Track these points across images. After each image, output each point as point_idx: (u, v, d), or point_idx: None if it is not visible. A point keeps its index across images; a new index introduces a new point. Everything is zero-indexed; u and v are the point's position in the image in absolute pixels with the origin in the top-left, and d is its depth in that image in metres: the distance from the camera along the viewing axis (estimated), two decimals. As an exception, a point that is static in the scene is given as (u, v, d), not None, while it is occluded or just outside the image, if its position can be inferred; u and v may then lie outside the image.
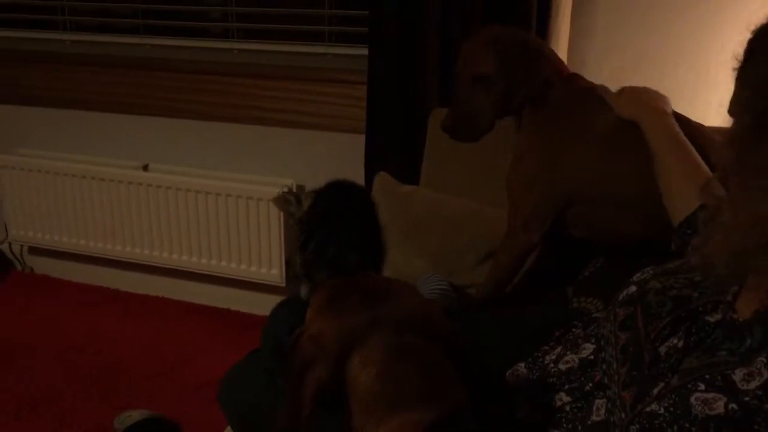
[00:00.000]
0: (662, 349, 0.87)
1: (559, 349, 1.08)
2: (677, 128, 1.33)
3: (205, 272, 2.64)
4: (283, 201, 1.70)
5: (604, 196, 1.42)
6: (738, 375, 0.76)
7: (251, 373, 1.25)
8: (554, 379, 1.01)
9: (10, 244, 2.98)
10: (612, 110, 1.43)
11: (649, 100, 1.41)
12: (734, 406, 0.74)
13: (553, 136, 1.46)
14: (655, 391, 0.83)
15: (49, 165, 2.71)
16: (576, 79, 1.51)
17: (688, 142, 1.31)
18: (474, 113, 1.49)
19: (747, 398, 0.74)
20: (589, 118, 1.45)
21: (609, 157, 1.41)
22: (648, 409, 0.82)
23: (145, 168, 2.67)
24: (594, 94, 1.48)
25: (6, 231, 2.90)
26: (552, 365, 1.04)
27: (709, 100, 1.87)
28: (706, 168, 1.27)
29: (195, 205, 2.55)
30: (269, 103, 2.45)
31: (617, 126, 1.42)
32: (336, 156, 2.44)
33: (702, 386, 0.78)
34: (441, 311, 0.92)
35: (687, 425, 0.77)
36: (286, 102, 2.43)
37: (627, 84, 1.48)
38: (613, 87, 1.80)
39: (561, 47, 1.93)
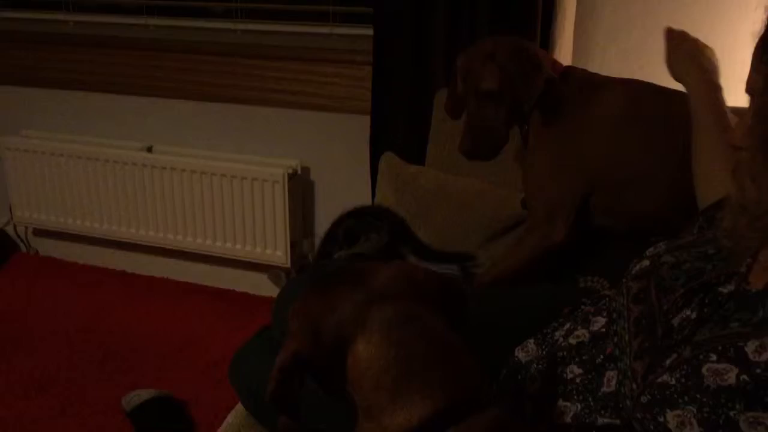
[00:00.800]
0: (675, 321, 0.87)
1: (568, 324, 1.09)
2: (724, 106, 1.31)
3: (211, 253, 2.65)
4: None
5: (623, 180, 1.44)
6: (750, 347, 0.77)
7: (262, 349, 1.26)
8: (564, 353, 1.02)
9: (14, 225, 2.98)
10: (617, 94, 1.45)
11: (703, 63, 1.37)
12: (746, 377, 0.75)
13: (565, 129, 1.47)
14: (668, 362, 0.83)
15: (53, 146, 2.72)
16: (573, 71, 1.53)
17: (728, 116, 1.29)
18: (489, 129, 1.47)
19: (759, 370, 0.75)
20: (597, 105, 1.46)
21: (623, 140, 1.43)
22: (660, 380, 0.82)
23: (149, 149, 2.68)
24: (595, 81, 1.49)
25: (10, 213, 2.91)
26: (562, 340, 1.05)
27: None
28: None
29: (199, 187, 2.56)
30: (273, 84, 2.45)
31: (625, 109, 1.44)
32: (340, 137, 2.44)
33: (714, 357, 0.78)
34: (422, 270, 0.92)
35: (698, 396, 0.77)
36: (290, 83, 2.43)
37: (635, 63, 1.49)
38: (620, 68, 1.81)
39: (567, 27, 1.93)
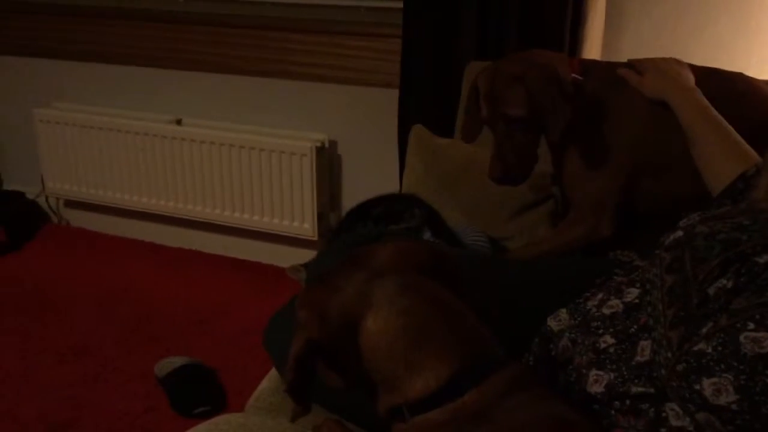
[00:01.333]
0: (711, 290, 0.87)
1: (601, 295, 1.09)
2: (705, 102, 1.35)
3: (239, 226, 2.67)
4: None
5: (663, 164, 1.44)
6: None
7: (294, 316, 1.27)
8: (598, 323, 1.02)
9: (46, 197, 3.03)
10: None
11: (675, 76, 1.42)
12: (784, 344, 0.75)
13: (601, 122, 1.46)
14: (704, 330, 0.83)
15: (84, 119, 2.75)
16: (595, 66, 1.51)
17: (718, 115, 1.33)
18: (519, 155, 1.44)
19: None
20: (628, 94, 1.45)
21: (659, 124, 1.43)
22: (696, 348, 0.82)
23: (179, 122, 2.70)
24: (617, 71, 1.48)
25: (42, 184, 2.95)
26: (595, 310, 1.05)
27: (750, 51, 1.84)
28: (740, 138, 1.29)
29: (228, 159, 2.58)
30: (302, 57, 2.45)
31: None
32: (369, 110, 2.45)
33: (752, 325, 0.79)
34: (418, 244, 0.94)
35: (735, 364, 0.78)
36: (318, 56, 2.43)
37: (669, 37, 1.48)
38: (653, 40, 1.78)
39: (600, 1, 1.90)
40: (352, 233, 1.43)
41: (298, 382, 0.86)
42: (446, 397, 0.79)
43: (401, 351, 0.81)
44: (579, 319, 1.07)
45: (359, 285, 0.84)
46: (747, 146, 1.28)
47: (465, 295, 0.88)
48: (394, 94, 2.21)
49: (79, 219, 3.08)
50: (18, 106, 2.95)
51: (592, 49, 1.95)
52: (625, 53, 1.96)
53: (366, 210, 1.61)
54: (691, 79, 1.42)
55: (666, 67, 1.45)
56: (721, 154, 1.27)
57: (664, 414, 0.86)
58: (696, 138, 1.33)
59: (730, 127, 1.31)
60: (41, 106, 2.84)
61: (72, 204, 3.05)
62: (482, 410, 0.78)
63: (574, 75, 1.44)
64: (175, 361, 2.01)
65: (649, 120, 1.44)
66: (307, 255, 2.55)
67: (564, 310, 1.11)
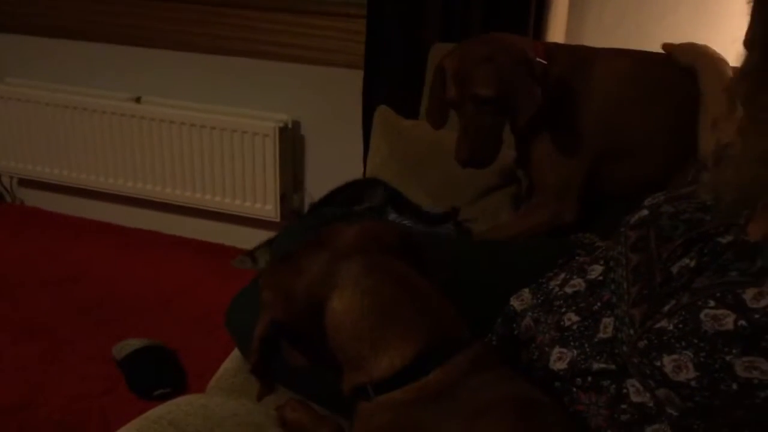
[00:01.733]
0: (674, 269, 0.89)
1: (563, 275, 1.10)
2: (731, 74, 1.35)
3: (199, 207, 2.64)
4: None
5: (625, 148, 1.46)
6: (749, 294, 0.78)
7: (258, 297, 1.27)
8: (560, 301, 1.03)
9: (-1, 175, 2.95)
10: (609, 66, 1.46)
11: (707, 49, 1.44)
12: (743, 322, 0.76)
13: (565, 108, 1.46)
14: (666, 308, 0.85)
15: (39, 95, 2.68)
16: (558, 49, 1.51)
17: None
18: (486, 137, 1.42)
19: (757, 315, 0.76)
20: (592, 80, 1.46)
21: (623, 110, 1.45)
22: (657, 325, 0.83)
23: (138, 100, 2.64)
24: (583, 56, 1.49)
25: (-5, 162, 2.87)
26: (557, 290, 1.06)
27: (709, 39, 1.87)
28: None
29: (189, 139, 2.54)
30: (265, 36, 2.42)
31: (620, 79, 1.45)
32: (333, 91, 2.43)
33: (712, 303, 0.80)
34: (382, 224, 0.95)
35: (695, 341, 0.79)
36: (282, 35, 2.40)
37: (633, 23, 1.49)
38: (615, 26, 1.81)
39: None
40: (317, 213, 1.43)
41: (263, 363, 0.86)
42: (411, 377, 0.80)
43: (366, 331, 0.81)
44: (542, 298, 1.08)
45: (324, 265, 0.84)
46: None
47: (430, 275, 0.88)
48: (358, 75, 2.20)
49: (33, 198, 3.01)
50: (-32, 81, 2.86)
51: (555, 34, 1.97)
52: (587, 39, 1.98)
53: (331, 197, 1.61)
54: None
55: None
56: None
57: (624, 390, 0.87)
58: (707, 105, 1.34)
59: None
60: (-7, 81, 2.76)
61: (26, 183, 2.97)
62: (446, 389, 0.79)
63: (538, 59, 1.44)
64: (134, 343, 1.98)
65: (613, 104, 1.45)
66: (270, 236, 2.54)
67: (527, 290, 1.12)
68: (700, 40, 1.86)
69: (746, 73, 0.86)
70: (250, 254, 1.91)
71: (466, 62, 1.39)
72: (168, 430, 0.94)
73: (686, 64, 1.43)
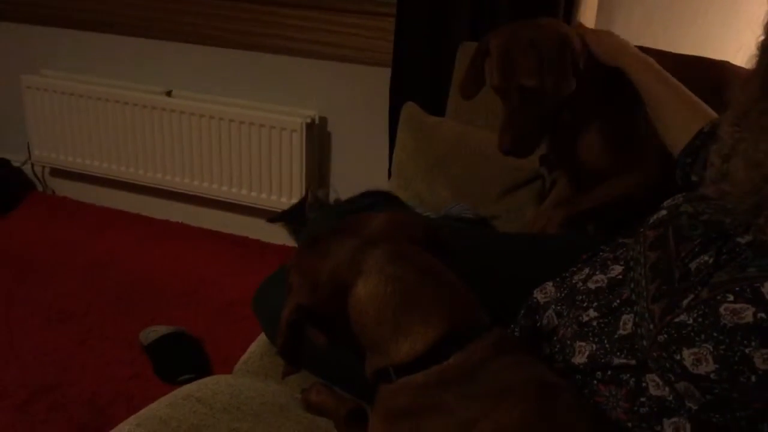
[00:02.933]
0: (692, 265, 0.90)
1: (587, 270, 1.11)
2: (659, 66, 1.35)
3: (226, 199, 2.68)
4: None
5: None
6: (767, 288, 0.80)
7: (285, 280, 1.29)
8: (583, 296, 1.05)
9: (32, 165, 3.01)
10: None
11: (625, 43, 1.42)
12: (763, 315, 0.78)
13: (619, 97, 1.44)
14: (685, 302, 0.86)
15: (73, 87, 2.73)
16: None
17: (674, 79, 1.33)
18: (531, 124, 1.38)
19: None
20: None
21: None
22: (677, 319, 0.85)
23: (169, 93, 2.69)
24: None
25: (29, 152, 2.93)
26: (581, 284, 1.08)
27: (739, 42, 1.87)
28: (697, 99, 1.30)
29: (217, 133, 2.57)
30: (295, 33, 2.45)
31: None
32: (359, 88, 2.45)
33: (731, 297, 0.81)
34: (409, 216, 0.96)
35: (715, 334, 0.80)
36: (311, 32, 2.43)
37: (659, 25, 1.48)
38: (644, 28, 1.81)
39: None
40: (346, 202, 1.45)
41: (289, 345, 0.89)
42: (432, 360, 0.82)
43: (389, 316, 0.84)
44: (565, 292, 1.10)
45: (351, 252, 0.87)
46: (705, 106, 1.28)
47: (452, 266, 0.91)
48: (385, 73, 2.22)
49: (64, 188, 3.07)
50: (6, 72, 2.92)
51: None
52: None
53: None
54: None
55: (613, 36, 1.43)
56: (681, 114, 1.27)
57: (644, 384, 0.89)
58: (654, 100, 1.32)
59: (687, 90, 1.30)
60: (29, 72, 2.81)
61: (58, 173, 3.03)
62: (466, 372, 0.82)
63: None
64: (160, 329, 2.02)
65: None
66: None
67: (550, 283, 1.14)
68: (729, 44, 1.87)
69: (759, 71, 0.88)
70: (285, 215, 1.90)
71: (511, 49, 1.35)
72: (196, 407, 0.97)
73: (608, 59, 1.39)
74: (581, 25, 1.47)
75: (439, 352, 0.82)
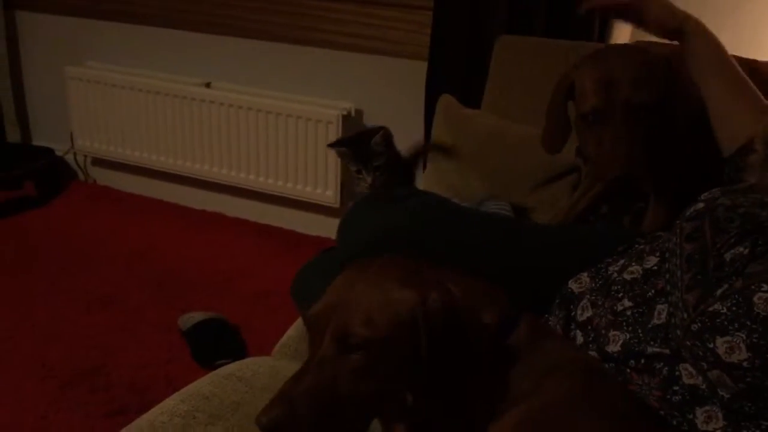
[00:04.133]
0: (728, 256, 0.90)
1: (622, 261, 1.12)
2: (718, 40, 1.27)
3: (263, 190, 2.72)
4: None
5: None
6: None
7: (325, 267, 1.32)
8: (618, 287, 1.06)
9: (74, 154, 3.09)
10: None
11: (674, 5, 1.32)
12: (797, 305, 0.78)
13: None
14: (719, 292, 0.86)
15: (115, 78, 2.79)
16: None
17: (732, 59, 1.26)
18: (643, 143, 1.27)
19: None
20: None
21: None
22: (711, 308, 0.85)
23: (208, 85, 2.73)
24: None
25: (72, 142, 3.00)
26: (616, 275, 1.08)
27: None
28: (753, 88, 1.24)
29: (255, 124, 2.61)
30: (333, 26, 2.48)
31: None
32: (396, 81, 2.47)
33: (765, 287, 0.82)
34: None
35: (748, 323, 0.81)
36: (349, 25, 2.46)
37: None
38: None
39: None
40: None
41: None
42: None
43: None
44: (600, 282, 1.11)
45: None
46: (762, 98, 1.21)
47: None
48: (422, 66, 2.24)
49: (105, 177, 3.14)
50: (50, 63, 3.00)
51: (621, 27, 1.97)
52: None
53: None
54: None
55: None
56: (735, 103, 1.21)
57: (677, 373, 0.90)
58: (712, 78, 1.24)
59: (745, 76, 1.24)
60: (73, 64, 2.89)
61: (99, 162, 3.10)
62: (515, 352, 0.86)
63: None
64: (199, 316, 2.07)
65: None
66: (329, 222, 2.60)
67: (585, 274, 1.14)
68: (763, 41, 1.85)
69: None
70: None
71: (611, 68, 1.27)
72: (237, 385, 1.00)
73: (669, 24, 1.29)
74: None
75: (505, 328, 0.88)
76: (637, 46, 1.36)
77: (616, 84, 1.26)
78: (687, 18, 1.28)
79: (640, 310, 1.00)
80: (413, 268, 0.86)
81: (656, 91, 1.26)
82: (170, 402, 1.00)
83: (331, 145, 1.68)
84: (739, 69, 1.25)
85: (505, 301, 0.92)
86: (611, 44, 1.38)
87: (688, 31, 1.27)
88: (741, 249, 0.91)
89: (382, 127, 1.69)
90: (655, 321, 0.96)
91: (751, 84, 1.24)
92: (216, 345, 1.99)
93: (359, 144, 1.59)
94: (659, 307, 0.97)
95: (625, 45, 1.38)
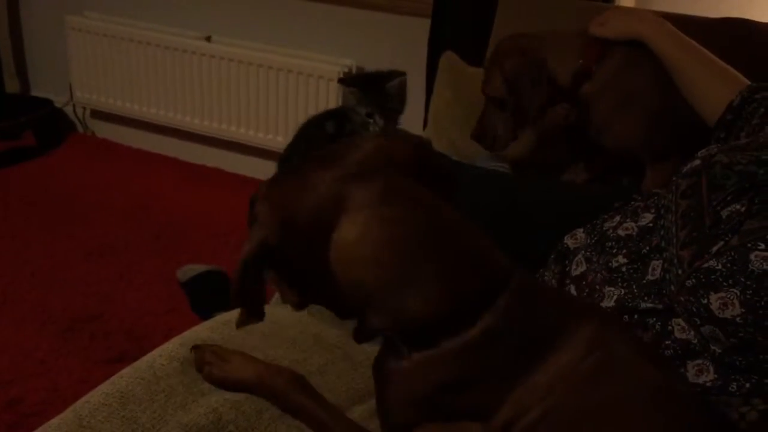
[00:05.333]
0: (724, 213, 0.91)
1: (618, 217, 1.13)
2: (678, 32, 1.33)
3: (261, 146, 2.72)
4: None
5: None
6: None
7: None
8: (612, 243, 1.07)
9: (74, 106, 3.07)
10: None
11: (639, 12, 1.42)
12: (792, 262, 0.79)
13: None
14: (714, 249, 0.87)
15: (115, 29, 2.77)
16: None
17: (695, 43, 1.31)
18: (496, 125, 1.55)
19: None
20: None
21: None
22: (706, 265, 0.86)
23: (208, 39, 2.71)
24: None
25: (70, 93, 2.99)
26: (611, 231, 1.09)
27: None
28: (723, 64, 1.27)
29: (255, 79, 2.60)
30: (335, -19, 2.46)
31: None
32: (398, 39, 2.45)
33: (762, 246, 0.83)
34: (404, 144, 0.80)
35: (742, 279, 0.82)
36: (352, -19, 2.43)
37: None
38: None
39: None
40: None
41: (248, 288, 0.76)
42: (460, 323, 0.70)
43: (388, 265, 0.70)
44: (595, 238, 1.12)
45: (333, 185, 0.72)
46: (734, 72, 1.25)
47: (460, 201, 0.80)
48: (425, 23, 2.22)
49: (103, 130, 3.13)
50: (50, 12, 2.97)
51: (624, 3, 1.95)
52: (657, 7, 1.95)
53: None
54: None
55: (626, 8, 1.43)
56: (709, 82, 1.25)
57: (669, 327, 0.91)
58: (680, 69, 1.30)
59: (711, 54, 1.28)
60: (73, 13, 2.85)
61: (98, 114, 3.09)
62: (505, 328, 0.71)
63: (583, 62, 1.43)
64: (198, 268, 2.08)
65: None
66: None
67: (581, 230, 1.15)
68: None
69: None
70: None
71: (487, 64, 1.52)
72: (236, 331, 1.00)
73: (623, 34, 1.40)
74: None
75: (461, 316, 0.70)
76: (508, 47, 1.49)
77: (484, 78, 1.52)
78: (642, 27, 1.36)
79: (635, 266, 1.01)
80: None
81: (504, 89, 1.46)
82: (169, 346, 1.02)
83: (342, 81, 1.60)
84: (706, 52, 1.29)
85: (491, 257, 0.76)
86: (519, 35, 1.51)
87: (646, 37, 1.35)
88: (737, 206, 0.91)
89: (401, 73, 1.64)
90: (650, 277, 0.97)
91: (721, 62, 1.27)
92: (215, 297, 2.00)
93: (372, 85, 1.49)
94: (654, 263, 0.98)
95: (502, 45, 1.51)
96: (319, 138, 1.47)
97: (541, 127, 1.59)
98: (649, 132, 1.46)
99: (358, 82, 1.46)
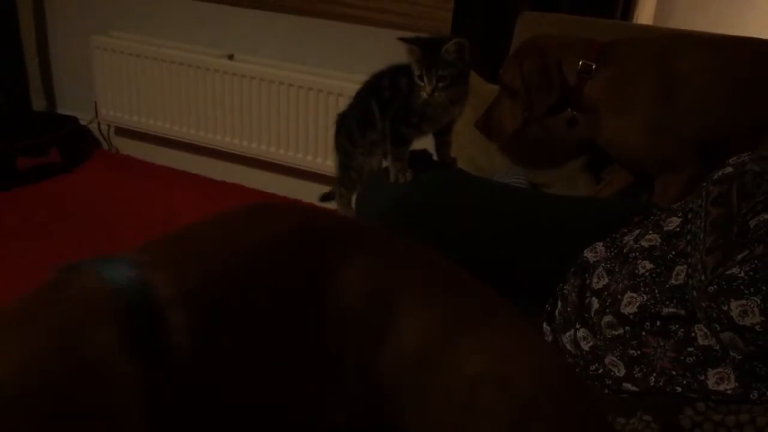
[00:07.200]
0: (752, 222, 0.91)
1: (638, 231, 1.13)
2: None
3: (282, 163, 2.75)
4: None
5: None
6: None
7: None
8: (635, 253, 1.07)
9: (98, 123, 3.13)
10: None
11: None
12: (815, 273, 0.80)
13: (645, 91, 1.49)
14: (739, 257, 0.88)
15: (139, 48, 2.82)
16: (613, 46, 1.55)
17: None
18: (498, 118, 1.67)
19: None
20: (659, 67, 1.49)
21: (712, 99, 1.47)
22: (729, 272, 0.87)
23: (231, 57, 2.76)
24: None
25: (96, 111, 3.04)
26: (632, 243, 1.10)
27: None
28: None
29: (276, 97, 2.64)
30: (356, 0, 2.49)
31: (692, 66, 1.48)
32: (417, 57, 2.47)
33: None
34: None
35: (764, 288, 0.83)
36: (372, 0, 2.47)
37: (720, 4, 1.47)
38: (706, 8, 1.80)
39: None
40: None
41: None
42: None
43: None
44: (615, 251, 1.12)
45: None
46: None
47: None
48: (444, 42, 2.24)
49: (127, 147, 3.18)
50: (76, 32, 3.03)
51: (645, 7, 1.97)
52: (677, 14, 1.97)
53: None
54: None
55: None
56: None
57: (693, 334, 0.92)
58: None
59: None
60: (99, 33, 2.92)
61: (122, 132, 3.14)
62: None
63: (584, 61, 1.50)
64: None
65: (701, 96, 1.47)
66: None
67: (600, 243, 1.16)
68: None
69: None
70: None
71: (509, 56, 1.68)
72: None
73: None
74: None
75: None
76: (533, 45, 1.64)
77: (503, 69, 1.70)
78: None
79: (659, 270, 1.01)
80: None
81: (520, 81, 1.61)
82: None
83: (403, 39, 1.62)
84: None
85: None
86: (534, 38, 1.66)
87: None
88: (766, 216, 0.92)
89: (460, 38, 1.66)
90: (673, 281, 0.98)
91: None
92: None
93: (431, 48, 1.44)
94: (678, 267, 0.98)
95: (531, 42, 1.65)
96: (376, 89, 1.57)
97: (544, 125, 1.68)
98: (651, 140, 1.48)
99: (417, 41, 1.47)
